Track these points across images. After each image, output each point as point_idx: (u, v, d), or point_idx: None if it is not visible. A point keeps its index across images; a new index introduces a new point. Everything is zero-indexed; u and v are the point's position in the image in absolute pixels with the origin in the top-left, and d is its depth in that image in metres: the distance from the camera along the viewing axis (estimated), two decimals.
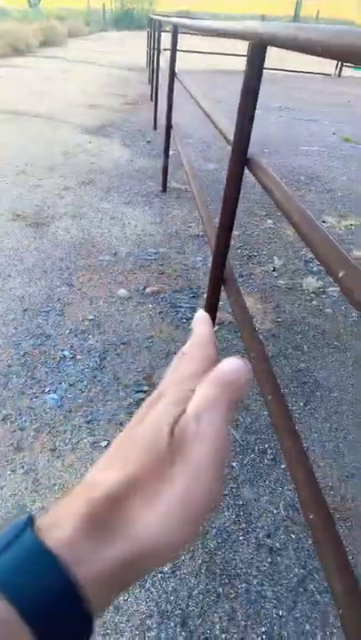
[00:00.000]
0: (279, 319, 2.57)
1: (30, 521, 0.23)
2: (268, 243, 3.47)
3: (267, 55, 1.25)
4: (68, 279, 2.82)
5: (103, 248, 3.21)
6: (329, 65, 14.58)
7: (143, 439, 0.25)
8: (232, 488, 1.62)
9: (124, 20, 35.25)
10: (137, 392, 2.00)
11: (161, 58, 6.08)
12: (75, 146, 5.47)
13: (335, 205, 4.32)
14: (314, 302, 2.78)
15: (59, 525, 0.22)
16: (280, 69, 11.85)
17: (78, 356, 2.19)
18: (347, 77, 14.51)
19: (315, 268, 3.22)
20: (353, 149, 6.38)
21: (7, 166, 4.67)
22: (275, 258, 3.23)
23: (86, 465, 1.68)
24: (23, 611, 0.20)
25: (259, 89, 1.32)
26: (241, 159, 1.46)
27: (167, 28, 6.09)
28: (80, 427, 1.83)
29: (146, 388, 2.03)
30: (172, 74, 3.67)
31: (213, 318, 1.83)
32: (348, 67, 14.56)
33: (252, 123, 1.38)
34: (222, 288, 1.77)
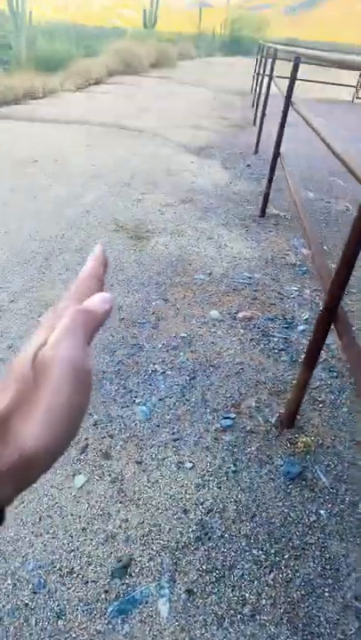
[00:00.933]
0: None
1: None
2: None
3: None
4: (163, 294, 2.88)
5: (198, 267, 3.25)
6: None
7: (16, 367, 0.29)
8: (319, 538, 1.54)
9: (232, 46, 36.17)
10: (224, 418, 1.98)
11: (268, 83, 6.13)
12: (177, 164, 5.64)
13: None
14: None
15: None
16: None
17: (169, 372, 2.22)
18: None
19: None
20: None
21: (114, 178, 4.92)
22: None
23: (170, 485, 1.68)
24: None
25: None
26: None
27: (273, 54, 6.16)
28: (167, 444, 1.84)
29: (233, 415, 2.00)
30: (288, 101, 3.68)
31: (317, 356, 1.77)
32: None
33: None
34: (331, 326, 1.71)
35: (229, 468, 1.76)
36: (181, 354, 2.36)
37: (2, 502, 0.27)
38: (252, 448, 1.86)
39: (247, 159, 6.20)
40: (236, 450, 1.84)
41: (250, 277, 3.18)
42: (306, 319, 2.72)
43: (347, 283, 1.61)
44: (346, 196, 5.14)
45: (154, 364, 2.27)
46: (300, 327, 2.65)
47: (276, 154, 3.95)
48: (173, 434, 1.89)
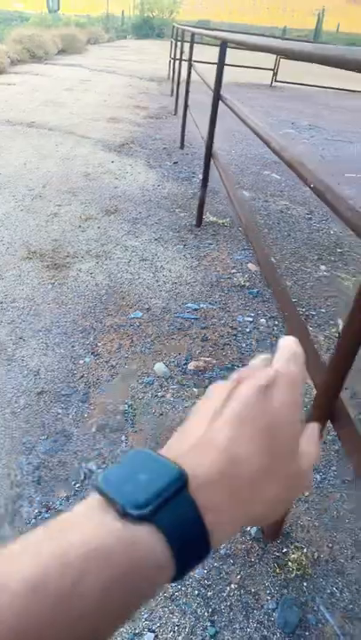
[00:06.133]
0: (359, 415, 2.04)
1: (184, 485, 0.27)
2: (325, 298, 2.94)
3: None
4: (92, 345, 2.31)
5: (134, 301, 2.69)
6: None
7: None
8: None
9: (144, 28, 35.07)
10: None
11: (188, 70, 5.61)
12: (96, 166, 4.99)
13: None
14: None
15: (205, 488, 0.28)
16: (311, 85, 11.39)
17: None
18: None
19: None
20: None
21: (23, 187, 4.19)
22: (338, 319, 2.70)
23: None
24: (168, 537, 0.25)
25: None
26: None
27: (187, 38, 5.62)
28: None
29: None
30: (217, 95, 3.18)
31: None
32: None
33: None
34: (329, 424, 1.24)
35: (206, 630, 1.27)
36: (123, 438, 1.81)
37: (213, 545, 0.27)
38: (232, 586, 1.37)
39: (173, 155, 5.67)
40: (211, 594, 1.35)
41: (196, 309, 2.67)
42: None
43: (348, 369, 1.14)
44: (283, 192, 4.78)
45: (87, 461, 1.71)
46: None
47: (209, 155, 3.45)
48: None
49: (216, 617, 1.29)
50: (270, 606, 1.32)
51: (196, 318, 2.59)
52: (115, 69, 13.78)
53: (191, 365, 2.21)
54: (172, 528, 0.25)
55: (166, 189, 4.55)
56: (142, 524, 0.25)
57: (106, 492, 0.26)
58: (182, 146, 5.93)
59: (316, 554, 1.47)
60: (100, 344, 2.32)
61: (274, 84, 12.24)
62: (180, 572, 0.26)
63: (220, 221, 3.85)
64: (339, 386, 1.14)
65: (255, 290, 2.91)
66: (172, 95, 8.88)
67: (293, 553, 1.46)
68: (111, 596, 0.23)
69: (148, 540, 0.25)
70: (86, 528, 0.24)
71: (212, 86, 3.17)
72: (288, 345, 0.39)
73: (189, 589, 1.35)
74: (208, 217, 3.89)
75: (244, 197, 4.50)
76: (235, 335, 2.48)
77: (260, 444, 0.30)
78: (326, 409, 1.18)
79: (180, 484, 0.27)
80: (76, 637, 0.21)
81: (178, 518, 0.26)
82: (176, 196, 4.37)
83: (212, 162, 3.43)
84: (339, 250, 3.58)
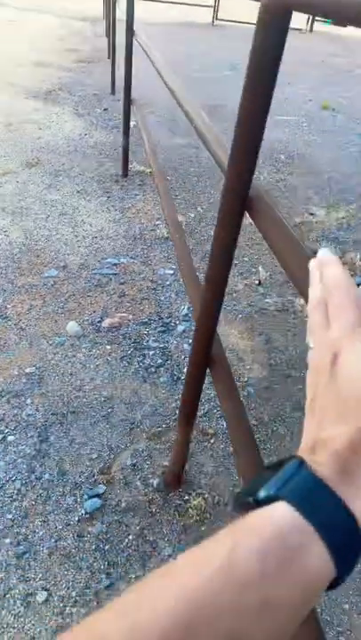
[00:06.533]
0: (272, 362, 2.06)
1: (302, 462, 0.27)
2: (249, 245, 2.90)
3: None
4: (2, 308, 2.19)
5: (49, 259, 2.56)
6: (300, 18, 13.58)
7: (351, 394, 0.27)
8: None
9: None
10: (91, 497, 1.46)
11: (118, 9, 5.21)
12: (18, 114, 4.63)
13: (322, 192, 3.77)
14: None
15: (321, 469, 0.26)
16: (237, 21, 10.85)
17: (10, 437, 1.62)
18: (319, 32, 13.59)
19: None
20: (333, 119, 5.78)
21: None
22: (260, 268, 2.68)
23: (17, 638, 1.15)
24: (316, 525, 0.24)
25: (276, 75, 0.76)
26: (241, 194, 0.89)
27: None
28: (8, 566, 1.29)
29: (102, 488, 1.49)
30: (130, 31, 2.94)
31: (193, 419, 1.29)
32: (319, 20, 13.62)
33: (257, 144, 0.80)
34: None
35: (100, 582, 1.27)
36: (28, 401, 1.75)
37: None
38: (131, 537, 1.38)
39: (103, 102, 5.33)
40: (108, 547, 1.35)
41: (115, 264, 2.58)
42: (185, 314, 2.24)
43: (219, 311, 1.11)
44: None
45: None
46: (180, 327, 2.16)
47: (128, 98, 3.24)
48: (18, 544, 1.33)
49: (112, 569, 1.30)
50: (167, 553, 1.34)
51: (116, 274, 2.50)
52: (47, 8, 12.65)
53: (106, 323, 2.15)
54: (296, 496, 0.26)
55: (94, 138, 4.29)
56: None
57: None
58: (113, 91, 5.58)
59: (216, 498, 1.49)
60: (9, 306, 2.20)
61: (216, 22, 11.62)
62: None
63: (148, 170, 3.68)
64: (218, 310, 1.10)
65: None
66: (106, 36, 8.28)
67: (195, 499, 1.48)
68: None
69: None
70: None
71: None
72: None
73: (87, 545, 1.35)
74: (136, 166, 3.71)
75: (177, 144, 4.33)
76: (154, 289, 2.42)
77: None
78: (206, 349, 1.15)
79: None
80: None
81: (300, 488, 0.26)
82: (104, 146, 4.14)
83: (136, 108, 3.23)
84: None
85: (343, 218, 3.40)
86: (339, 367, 0.28)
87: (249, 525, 0.24)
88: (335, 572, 0.24)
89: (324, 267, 0.34)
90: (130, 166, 3.68)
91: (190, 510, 1.45)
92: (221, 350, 1.22)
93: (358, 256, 2.90)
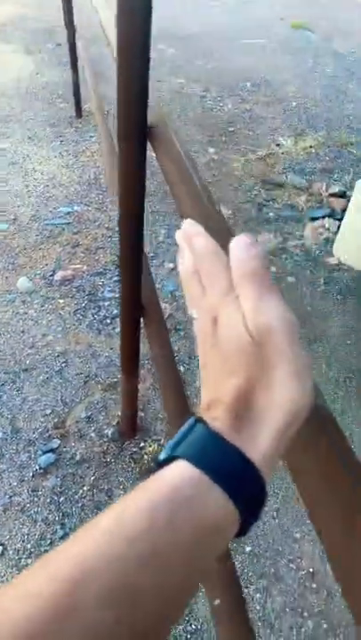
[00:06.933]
0: None
1: (199, 419, 0.28)
2: (212, 183, 2.77)
3: None
4: None
5: None
6: None
7: (232, 351, 0.29)
8: None
9: None
10: (45, 452, 1.45)
11: None
12: None
13: (290, 120, 3.57)
14: (272, 269, 2.21)
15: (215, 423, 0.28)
16: None
17: None
18: None
19: (271, 214, 2.60)
20: (306, 39, 5.40)
21: None
22: (220, 204, 2.57)
23: None
24: (210, 473, 0.25)
25: None
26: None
27: None
28: None
29: (56, 443, 1.48)
30: None
31: (135, 367, 1.25)
32: None
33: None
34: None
35: (55, 533, 1.29)
36: None
37: (265, 479, 0.27)
38: (85, 487, 1.38)
39: (56, 36, 4.91)
40: (63, 500, 1.36)
41: (68, 213, 2.45)
42: None
43: (141, 250, 1.04)
44: (180, 68, 4.31)
45: None
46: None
47: (72, 30, 2.97)
48: None
49: (66, 520, 1.32)
50: None
51: (69, 223, 2.39)
52: None
53: (58, 276, 2.07)
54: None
55: (46, 77, 3.99)
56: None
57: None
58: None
59: None
60: None
61: None
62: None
63: (105, 109, 3.45)
64: (140, 249, 1.04)
65: None
66: None
67: (150, 446, 1.48)
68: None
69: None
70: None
71: None
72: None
73: (41, 499, 1.36)
74: (90, 105, 3.47)
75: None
76: (110, 237, 2.32)
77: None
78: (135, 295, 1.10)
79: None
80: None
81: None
82: (57, 85, 3.85)
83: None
84: (230, 129, 3.32)
85: (311, 147, 3.24)
86: (219, 329, 0.30)
87: (142, 487, 0.26)
88: (240, 517, 0.25)
89: (192, 237, 0.35)
90: (84, 106, 3.44)
91: (146, 456, 1.46)
92: (154, 296, 1.16)
93: (325, 186, 2.79)
